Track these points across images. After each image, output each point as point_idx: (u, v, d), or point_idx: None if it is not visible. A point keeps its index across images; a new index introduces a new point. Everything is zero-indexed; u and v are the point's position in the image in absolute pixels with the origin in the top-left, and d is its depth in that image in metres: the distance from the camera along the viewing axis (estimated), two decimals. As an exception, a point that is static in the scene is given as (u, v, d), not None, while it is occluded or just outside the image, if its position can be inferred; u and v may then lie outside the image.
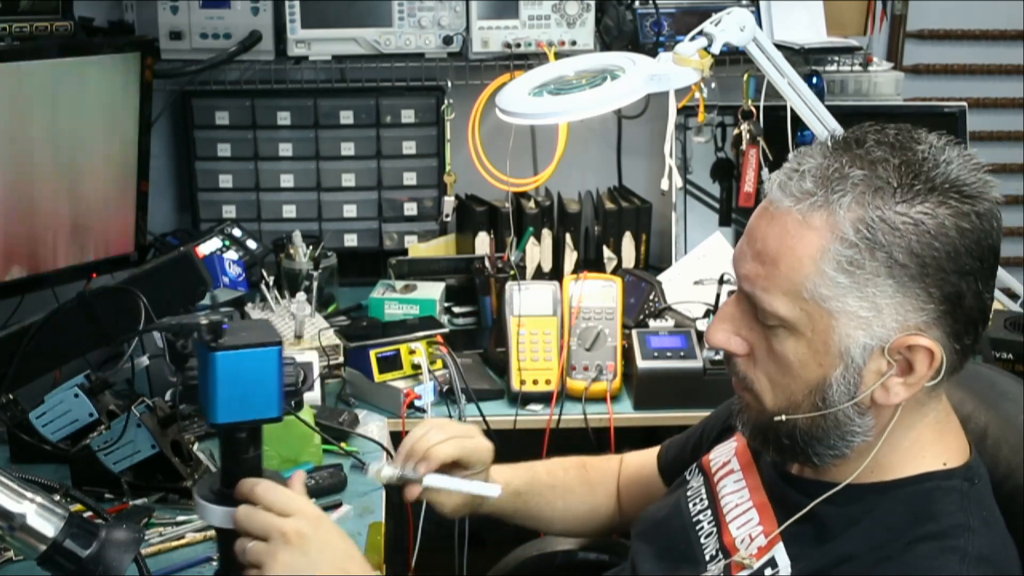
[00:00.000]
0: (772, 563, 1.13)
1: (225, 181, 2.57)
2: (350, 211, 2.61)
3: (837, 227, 1.03)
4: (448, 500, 1.41)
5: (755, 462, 1.26)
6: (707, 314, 2.14)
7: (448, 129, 2.50)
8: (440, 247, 2.59)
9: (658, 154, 2.24)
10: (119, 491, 1.63)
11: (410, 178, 2.60)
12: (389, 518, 1.67)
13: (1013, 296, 2.18)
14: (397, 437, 1.95)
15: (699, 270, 2.37)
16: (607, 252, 2.54)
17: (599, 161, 2.74)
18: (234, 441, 1.14)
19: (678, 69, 1.92)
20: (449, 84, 2.50)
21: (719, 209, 2.62)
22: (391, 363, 2.05)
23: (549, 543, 1.73)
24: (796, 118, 2.05)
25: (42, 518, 1.04)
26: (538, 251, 2.50)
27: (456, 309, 2.38)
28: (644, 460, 1.57)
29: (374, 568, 1.60)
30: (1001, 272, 2.07)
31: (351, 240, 2.62)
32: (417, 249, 2.57)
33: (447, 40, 2.41)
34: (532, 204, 2.52)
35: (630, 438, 1.94)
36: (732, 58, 2.22)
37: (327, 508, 1.64)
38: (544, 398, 2.04)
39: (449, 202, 2.50)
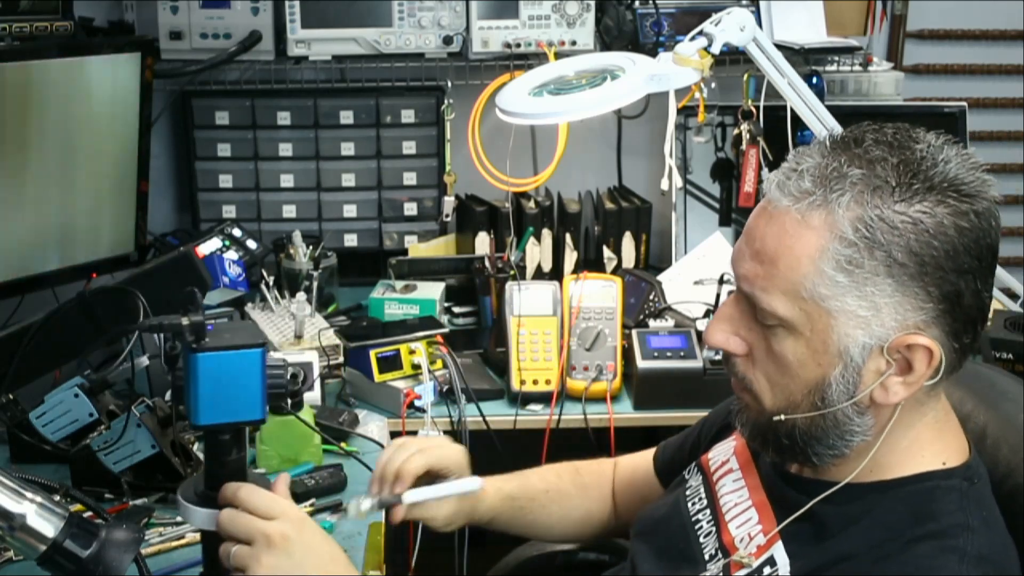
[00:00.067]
0: (771, 562, 1.13)
1: (225, 181, 2.57)
2: (350, 211, 2.61)
3: (836, 226, 1.03)
4: (437, 513, 1.40)
5: (754, 461, 1.26)
6: (707, 314, 2.14)
7: (448, 129, 2.50)
8: (440, 247, 2.59)
9: (658, 154, 2.24)
10: (119, 491, 1.63)
11: (410, 178, 2.61)
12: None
13: (1013, 296, 2.18)
14: (397, 437, 1.95)
15: (699, 270, 2.37)
16: (607, 252, 2.54)
17: (599, 161, 2.74)
18: (217, 443, 1.14)
19: (678, 69, 1.92)
20: (449, 84, 2.50)
21: (719, 209, 2.62)
22: (391, 363, 2.05)
23: (549, 543, 1.73)
24: (796, 118, 2.05)
25: (42, 518, 1.04)
26: (538, 251, 2.50)
27: (456, 309, 2.38)
28: (639, 462, 1.57)
29: (375, 568, 1.60)
30: (1001, 272, 2.07)
31: (351, 240, 2.62)
32: (417, 249, 2.57)
33: (447, 40, 2.41)
34: (532, 204, 2.52)
35: (630, 438, 1.94)
36: (732, 58, 2.22)
37: (328, 508, 1.64)
38: (544, 398, 2.04)
39: (449, 202, 2.50)
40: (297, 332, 2.09)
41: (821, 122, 1.99)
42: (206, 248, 1.89)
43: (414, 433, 1.97)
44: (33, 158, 2.01)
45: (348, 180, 2.60)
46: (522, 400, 2.04)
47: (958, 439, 1.14)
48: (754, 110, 2.29)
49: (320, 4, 2.37)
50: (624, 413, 2.04)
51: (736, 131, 2.35)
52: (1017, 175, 2.89)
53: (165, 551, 1.52)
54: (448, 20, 2.40)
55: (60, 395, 1.68)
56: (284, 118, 2.55)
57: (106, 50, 2.10)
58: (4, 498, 1.03)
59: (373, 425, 1.93)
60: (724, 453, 1.33)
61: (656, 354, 2.02)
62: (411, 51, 2.42)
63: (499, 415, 2.03)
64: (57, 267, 2.11)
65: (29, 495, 1.05)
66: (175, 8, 2.36)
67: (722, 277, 2.09)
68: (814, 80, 2.46)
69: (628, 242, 2.54)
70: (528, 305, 2.11)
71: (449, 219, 2.53)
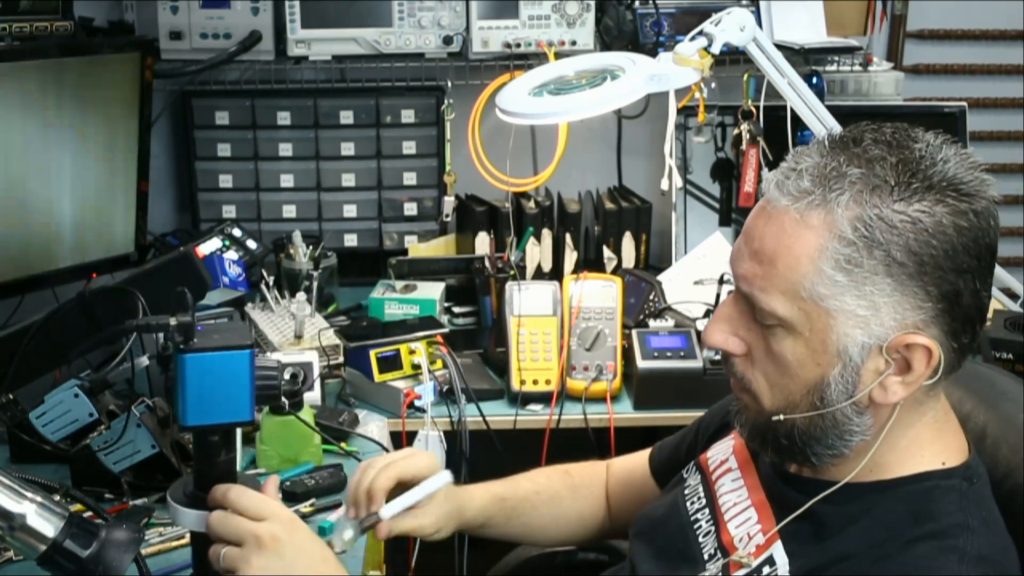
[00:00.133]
0: (770, 561, 1.13)
1: (225, 181, 2.57)
2: (350, 211, 2.61)
3: (835, 226, 1.03)
4: (423, 521, 1.37)
5: (753, 461, 1.26)
6: (707, 314, 2.14)
7: (448, 129, 2.50)
8: (440, 247, 2.59)
9: (658, 154, 2.24)
10: (119, 491, 1.63)
11: (410, 178, 2.61)
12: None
13: (1013, 296, 2.18)
14: (397, 437, 1.95)
15: (699, 270, 2.37)
16: (607, 252, 2.54)
17: (599, 161, 2.74)
18: (206, 444, 1.14)
19: (678, 69, 1.92)
20: (449, 84, 2.50)
21: (719, 209, 2.62)
22: (391, 363, 2.05)
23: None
24: (796, 118, 2.05)
25: (42, 518, 1.04)
26: (538, 251, 2.50)
27: (456, 309, 2.38)
28: (634, 463, 1.56)
29: (375, 568, 1.60)
30: (1001, 272, 2.07)
31: (351, 240, 2.62)
32: (417, 249, 2.57)
33: (447, 40, 2.41)
34: (532, 204, 2.52)
35: (630, 438, 1.94)
36: (732, 58, 2.22)
37: (328, 508, 1.64)
38: (544, 398, 2.04)
39: (449, 202, 2.50)
40: (297, 332, 2.09)
41: (821, 122, 1.99)
42: (206, 248, 1.89)
43: (414, 433, 1.97)
44: (33, 158, 2.01)
45: (348, 180, 2.60)
46: (522, 400, 2.04)
47: (958, 439, 1.14)
48: (754, 110, 2.29)
49: (320, 4, 2.37)
50: (624, 413, 2.04)
51: (736, 131, 2.35)
52: (1017, 175, 2.89)
53: (165, 551, 1.52)
54: (448, 20, 2.40)
55: (60, 395, 1.68)
56: (284, 118, 2.55)
57: (106, 50, 2.10)
58: (4, 498, 1.03)
59: (373, 425, 1.93)
60: (723, 452, 1.33)
61: (656, 354, 2.02)
62: (411, 51, 2.42)
63: (499, 415, 2.03)
64: (57, 267, 2.11)
65: (29, 495, 1.05)
66: (175, 8, 2.36)
67: (722, 277, 2.09)
68: (814, 80, 2.46)
69: (628, 242, 2.54)
70: (528, 305, 2.11)
71: (449, 219, 2.53)
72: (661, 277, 2.37)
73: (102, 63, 2.08)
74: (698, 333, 2.05)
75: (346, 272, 2.51)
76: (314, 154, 2.58)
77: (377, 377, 2.02)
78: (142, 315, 1.65)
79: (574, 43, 2.41)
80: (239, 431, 1.67)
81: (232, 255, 1.95)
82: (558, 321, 2.09)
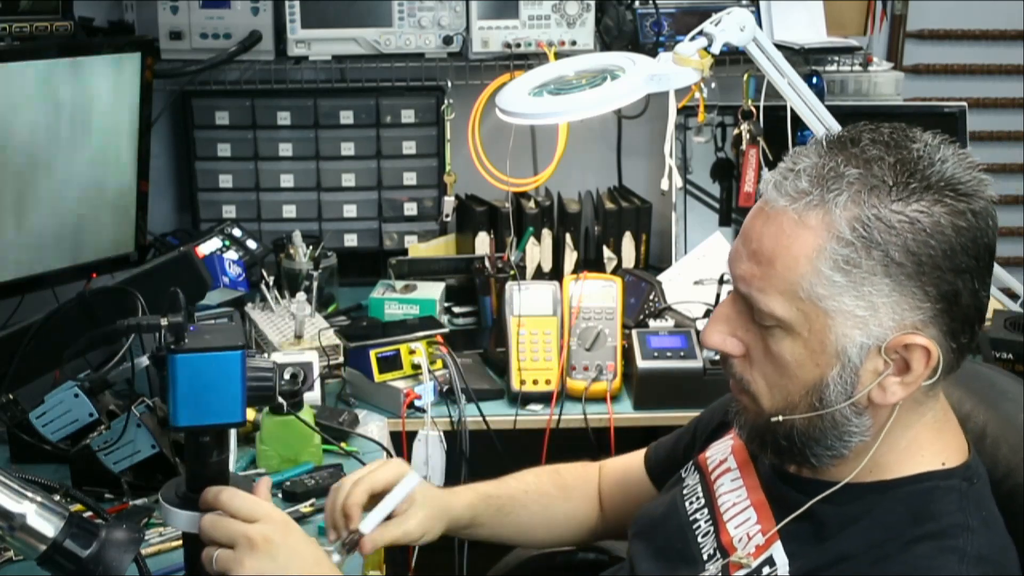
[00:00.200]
0: (770, 562, 1.13)
1: (225, 181, 2.57)
2: (350, 211, 2.61)
3: (833, 226, 1.03)
4: (407, 527, 1.35)
5: (752, 461, 1.26)
6: (707, 314, 2.14)
7: (448, 129, 2.50)
8: (440, 247, 2.59)
9: (658, 154, 2.24)
10: (119, 491, 1.63)
11: (410, 178, 2.61)
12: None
13: (1013, 296, 2.17)
14: (397, 437, 1.96)
15: (699, 270, 2.37)
16: (607, 252, 2.54)
17: (599, 161, 2.74)
18: (198, 445, 1.14)
19: (678, 69, 1.92)
20: (449, 84, 2.50)
21: (719, 209, 2.62)
22: (391, 363, 2.05)
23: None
24: (796, 118, 2.05)
25: (42, 518, 1.04)
26: (538, 251, 2.50)
27: (456, 309, 2.38)
28: (628, 464, 1.55)
29: (375, 568, 1.60)
30: (1001, 272, 2.07)
31: (351, 240, 2.62)
32: (417, 249, 2.57)
33: (447, 40, 2.41)
34: (532, 204, 2.52)
35: (630, 438, 1.94)
36: (732, 58, 2.22)
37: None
38: (544, 398, 2.04)
39: (449, 202, 2.50)
40: (297, 332, 2.09)
41: (821, 122, 1.99)
42: (206, 248, 1.89)
43: (414, 433, 1.97)
44: (33, 158, 2.01)
45: (348, 180, 2.60)
46: (522, 400, 2.04)
47: (957, 439, 1.14)
48: (754, 110, 2.29)
49: (320, 4, 2.37)
50: (624, 413, 2.04)
51: (736, 131, 2.35)
52: (1017, 175, 2.89)
53: (165, 551, 1.52)
54: (448, 20, 2.40)
55: (60, 395, 1.67)
56: (284, 118, 2.55)
57: (106, 50, 2.10)
58: (4, 498, 1.03)
59: (373, 425, 1.93)
60: (722, 452, 1.32)
61: (656, 354, 2.02)
62: (411, 51, 2.42)
63: (499, 415, 2.03)
64: (57, 267, 2.11)
65: (29, 495, 1.05)
66: (175, 8, 2.36)
67: (722, 277, 2.09)
68: (814, 80, 2.46)
69: (628, 242, 2.54)
70: (528, 305, 2.11)
71: (449, 219, 2.53)
72: (661, 277, 2.37)
73: (102, 63, 2.08)
74: (698, 333, 2.05)
75: (346, 272, 2.51)
76: (314, 154, 2.58)
77: (377, 377, 2.03)
78: (141, 315, 1.65)
79: (574, 43, 2.41)
80: (235, 432, 1.68)
81: (232, 255, 1.95)
82: (558, 321, 2.09)
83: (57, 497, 1.09)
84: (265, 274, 2.20)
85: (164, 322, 1.09)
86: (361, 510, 1.30)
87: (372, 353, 2.03)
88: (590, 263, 2.52)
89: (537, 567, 1.73)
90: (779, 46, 2.13)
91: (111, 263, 2.20)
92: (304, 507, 1.63)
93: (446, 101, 2.49)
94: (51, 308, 1.81)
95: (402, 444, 1.96)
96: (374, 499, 1.31)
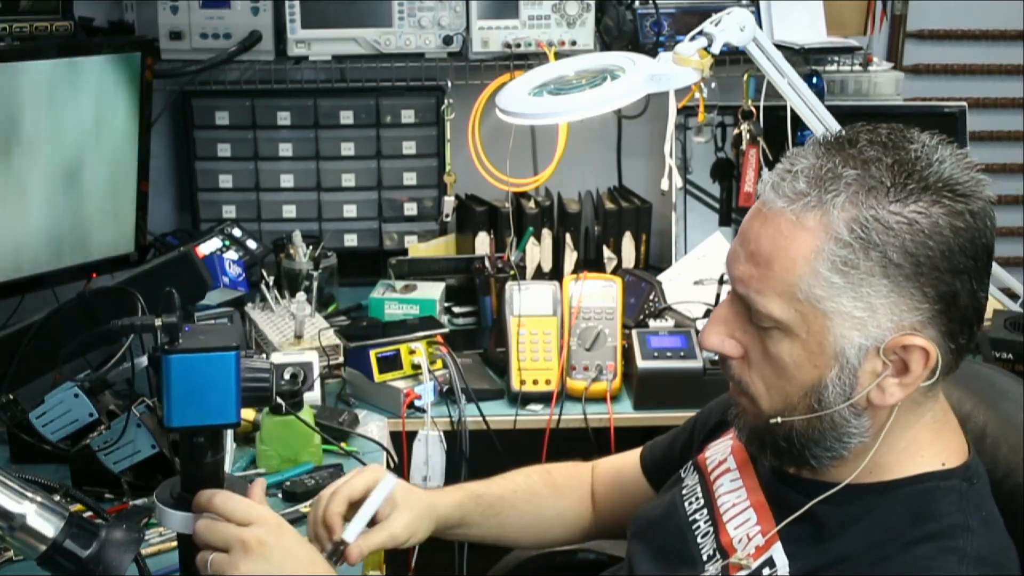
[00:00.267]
0: (770, 563, 1.13)
1: (225, 181, 2.57)
2: (350, 211, 2.61)
3: (831, 227, 1.03)
4: (393, 531, 1.33)
5: (752, 461, 1.26)
6: (707, 314, 2.14)
7: (448, 129, 2.50)
8: (440, 247, 2.59)
9: (658, 154, 2.24)
10: (119, 491, 1.63)
11: (410, 178, 2.61)
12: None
13: (1013, 296, 2.17)
14: (397, 437, 1.96)
15: (699, 270, 2.37)
16: (607, 252, 2.54)
17: (599, 161, 2.74)
18: (192, 445, 1.14)
19: (678, 69, 1.92)
20: (449, 84, 2.50)
21: (719, 209, 2.62)
22: (391, 363, 2.05)
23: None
24: (796, 118, 2.05)
25: (42, 518, 1.04)
26: (538, 251, 2.50)
27: (456, 309, 2.38)
28: (623, 463, 1.55)
29: (375, 568, 1.60)
30: (1001, 272, 2.07)
31: (351, 240, 2.62)
32: (417, 249, 2.57)
33: (447, 40, 2.41)
34: (532, 204, 2.52)
35: (630, 438, 1.94)
36: (732, 58, 2.22)
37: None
38: (544, 398, 2.04)
39: (449, 202, 2.50)
40: (297, 332, 2.09)
41: (821, 122, 1.99)
42: (206, 248, 1.89)
43: (414, 433, 1.97)
44: (33, 158, 2.01)
45: (348, 180, 2.60)
46: (522, 400, 2.04)
47: (957, 439, 1.14)
48: (754, 110, 2.29)
49: (320, 4, 2.37)
50: (624, 413, 2.04)
51: (736, 131, 2.35)
52: (1017, 175, 2.89)
53: (165, 551, 1.52)
54: (448, 20, 2.40)
55: (60, 395, 1.68)
56: (284, 118, 2.55)
57: (106, 50, 2.10)
58: (4, 498, 1.03)
59: (373, 425, 1.93)
60: (721, 452, 1.32)
61: (656, 354, 2.02)
62: (411, 51, 2.42)
63: (499, 415, 2.03)
64: (57, 267, 2.11)
65: (29, 495, 1.05)
66: (175, 8, 2.36)
67: (722, 277, 2.09)
68: (814, 80, 2.46)
69: (628, 242, 2.54)
70: (528, 305, 2.11)
71: (449, 219, 2.53)
72: (661, 277, 2.37)
73: (102, 63, 2.08)
74: (698, 333, 2.05)
75: (346, 272, 2.51)
76: (314, 154, 2.58)
77: (377, 377, 2.03)
78: (141, 315, 1.65)
79: (574, 43, 2.41)
80: (231, 432, 1.68)
81: (232, 255, 1.95)
82: (558, 321, 2.09)
83: (57, 497, 1.09)
84: (265, 274, 2.20)
85: (158, 322, 1.09)
86: (341, 520, 1.29)
87: (372, 353, 2.03)
88: (590, 263, 2.52)
89: (537, 567, 1.73)
90: (779, 46, 2.13)
91: (111, 263, 2.20)
92: (304, 507, 1.63)
93: (446, 101, 2.49)
94: (51, 308, 1.81)
95: (402, 444, 1.96)
96: (354, 508, 1.30)
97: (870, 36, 2.65)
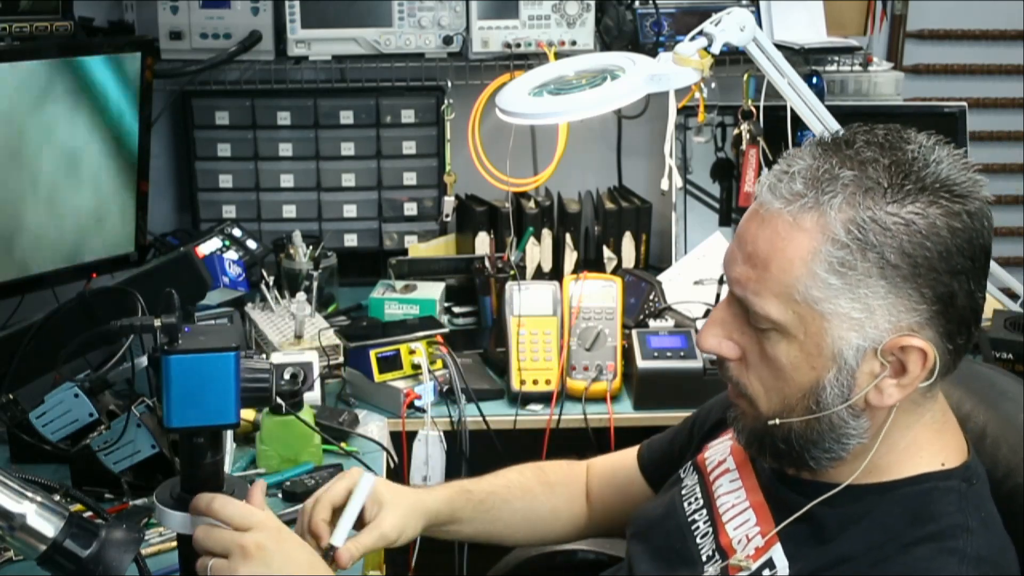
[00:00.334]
0: (770, 564, 1.13)
1: (225, 181, 2.57)
2: (350, 211, 2.61)
3: (828, 228, 1.03)
4: (382, 530, 1.31)
5: (751, 462, 1.26)
6: (707, 314, 2.14)
7: (448, 129, 2.50)
8: (440, 247, 2.59)
9: (658, 154, 2.24)
10: (119, 491, 1.64)
11: (410, 178, 2.61)
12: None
13: (1013, 296, 2.17)
14: (397, 437, 1.96)
15: (699, 270, 2.37)
16: (607, 252, 2.54)
17: (599, 161, 2.74)
18: (192, 446, 1.14)
19: (678, 69, 1.92)
20: (449, 84, 2.50)
21: (719, 209, 2.62)
22: (391, 363, 2.05)
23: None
24: (796, 118, 2.05)
25: (42, 518, 1.04)
26: (538, 251, 2.50)
27: (456, 309, 2.38)
28: (619, 462, 1.54)
29: (375, 568, 1.60)
30: (1002, 272, 2.07)
31: (351, 240, 2.63)
32: (417, 249, 2.57)
33: (447, 40, 2.41)
34: (532, 204, 2.52)
35: (630, 438, 1.94)
36: (732, 58, 2.22)
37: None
38: (544, 398, 2.04)
39: (449, 202, 2.50)
40: (297, 332, 2.09)
41: (821, 122, 1.99)
42: (206, 248, 1.89)
43: (414, 433, 1.97)
44: (33, 158, 2.01)
45: (348, 180, 2.60)
46: (522, 400, 2.04)
47: (957, 440, 1.14)
48: (754, 110, 2.29)
49: (320, 4, 2.37)
50: (624, 413, 2.04)
51: (736, 131, 2.35)
52: (1017, 175, 2.89)
53: (165, 551, 1.52)
54: (448, 20, 2.40)
55: (60, 395, 1.68)
56: (284, 118, 2.55)
57: (106, 50, 2.10)
58: (4, 498, 1.03)
59: (373, 425, 1.93)
60: (720, 452, 1.32)
61: (656, 354, 2.02)
62: (411, 51, 2.42)
63: (499, 415, 2.03)
64: (57, 267, 2.11)
65: (29, 495, 1.05)
66: (175, 8, 2.36)
67: (722, 277, 2.08)
68: (814, 80, 2.46)
69: (628, 242, 2.54)
70: (528, 305, 2.11)
71: (449, 219, 2.53)
72: (661, 277, 2.37)
73: (102, 63, 2.08)
74: (698, 333, 2.05)
75: (346, 272, 2.51)
76: (314, 154, 2.58)
77: (377, 377, 2.03)
78: (141, 315, 1.65)
79: (574, 43, 2.41)
80: (231, 433, 1.68)
81: (232, 255, 1.95)
82: (558, 321, 2.09)
83: (57, 497, 1.09)
84: (265, 274, 2.20)
85: (158, 323, 1.09)
86: (327, 527, 1.28)
87: (372, 353, 2.03)
88: (590, 263, 2.52)
89: (537, 567, 1.73)
90: (779, 46, 2.13)
91: (111, 263, 2.20)
92: (304, 507, 1.63)
93: (446, 101, 2.49)
94: (51, 308, 1.81)
95: (402, 444, 1.96)
96: (339, 513, 1.29)
97: (870, 36, 2.65)
